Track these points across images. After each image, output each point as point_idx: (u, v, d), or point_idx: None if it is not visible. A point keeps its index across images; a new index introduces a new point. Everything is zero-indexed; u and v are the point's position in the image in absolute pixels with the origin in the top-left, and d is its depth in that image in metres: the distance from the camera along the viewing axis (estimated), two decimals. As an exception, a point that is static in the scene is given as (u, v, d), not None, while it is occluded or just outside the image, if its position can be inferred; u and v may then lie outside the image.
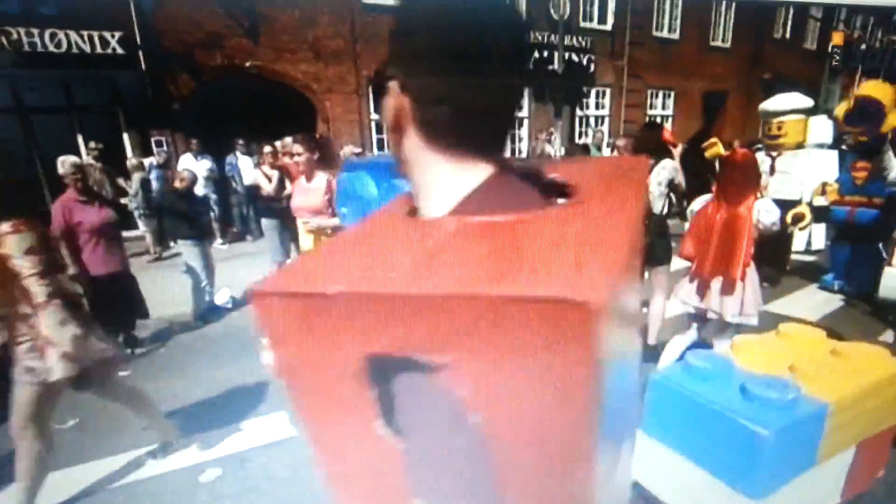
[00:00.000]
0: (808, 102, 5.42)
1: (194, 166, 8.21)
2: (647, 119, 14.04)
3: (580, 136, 13.46)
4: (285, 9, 9.14)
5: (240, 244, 8.73)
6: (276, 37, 9.14)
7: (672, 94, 15.89)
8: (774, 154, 5.48)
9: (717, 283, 3.14)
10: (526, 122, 12.72)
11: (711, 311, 3.20)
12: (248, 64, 8.92)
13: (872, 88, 4.25)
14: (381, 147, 10.96)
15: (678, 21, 15.34)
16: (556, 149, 10.62)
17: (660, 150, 3.97)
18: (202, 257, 5.20)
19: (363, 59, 10.09)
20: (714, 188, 3.23)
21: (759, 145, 5.78)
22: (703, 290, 3.21)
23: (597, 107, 14.36)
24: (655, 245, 3.91)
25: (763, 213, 2.97)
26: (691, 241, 3.25)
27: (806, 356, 1.96)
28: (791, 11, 18.92)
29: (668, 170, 3.85)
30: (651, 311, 4.13)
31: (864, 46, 21.41)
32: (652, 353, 3.89)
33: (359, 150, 6.64)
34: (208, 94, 8.60)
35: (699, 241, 3.18)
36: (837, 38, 16.23)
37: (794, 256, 6.78)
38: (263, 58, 9.11)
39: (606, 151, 12.02)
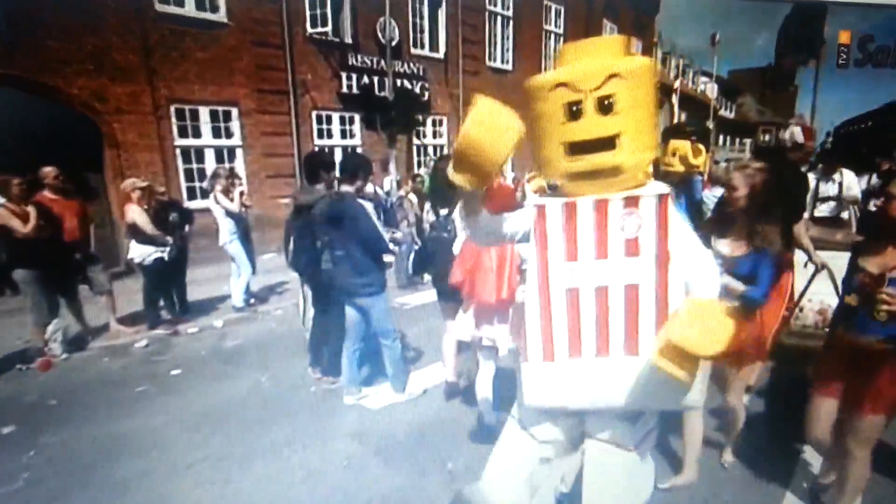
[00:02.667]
0: None
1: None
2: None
3: (419, 166, 14.07)
4: (52, 10, 8.38)
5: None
6: (39, 43, 8.29)
7: (510, 124, 17.35)
8: None
9: (487, 311, 3.42)
10: (359, 151, 12.99)
11: (486, 338, 3.48)
12: (-2, 73, 7.96)
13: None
14: (188, 178, 10.40)
15: (510, 52, 16.99)
16: (392, 179, 10.94)
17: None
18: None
19: (161, 76, 9.62)
20: None
21: None
22: (476, 319, 3.49)
23: (435, 136, 15.17)
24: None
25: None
26: (458, 270, 3.48)
27: None
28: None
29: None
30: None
31: (678, 84, 25.41)
32: (454, 390, 4.30)
33: (144, 184, 6.19)
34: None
35: (465, 269, 3.44)
36: (844, 37, 17.53)
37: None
38: (21, 67, 8.21)
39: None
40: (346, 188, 4.14)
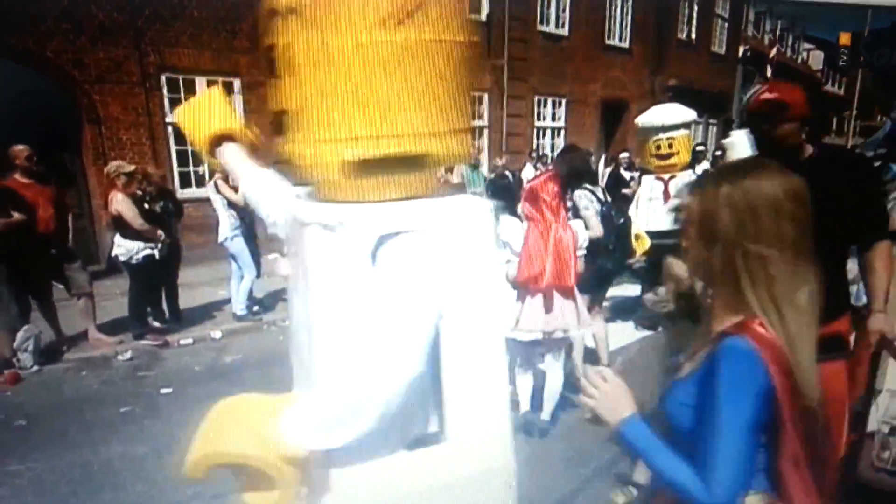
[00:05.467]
0: (692, 115, 6.09)
1: None
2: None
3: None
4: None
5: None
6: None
7: (564, 101, 17.19)
8: (667, 177, 6.01)
9: (557, 300, 4.10)
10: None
11: (558, 329, 4.14)
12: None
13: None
14: (182, 162, 10.51)
15: (567, 13, 16.78)
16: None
17: None
18: None
19: (150, 39, 9.75)
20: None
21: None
22: (544, 311, 4.11)
23: (473, 116, 15.09)
24: None
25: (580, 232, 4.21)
26: (535, 259, 4.05)
27: None
28: (695, 9, 21.52)
29: None
30: None
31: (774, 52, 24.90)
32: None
33: (131, 168, 6.20)
34: None
35: (540, 257, 4.05)
36: (844, 39, 18.27)
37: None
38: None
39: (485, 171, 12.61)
40: None
